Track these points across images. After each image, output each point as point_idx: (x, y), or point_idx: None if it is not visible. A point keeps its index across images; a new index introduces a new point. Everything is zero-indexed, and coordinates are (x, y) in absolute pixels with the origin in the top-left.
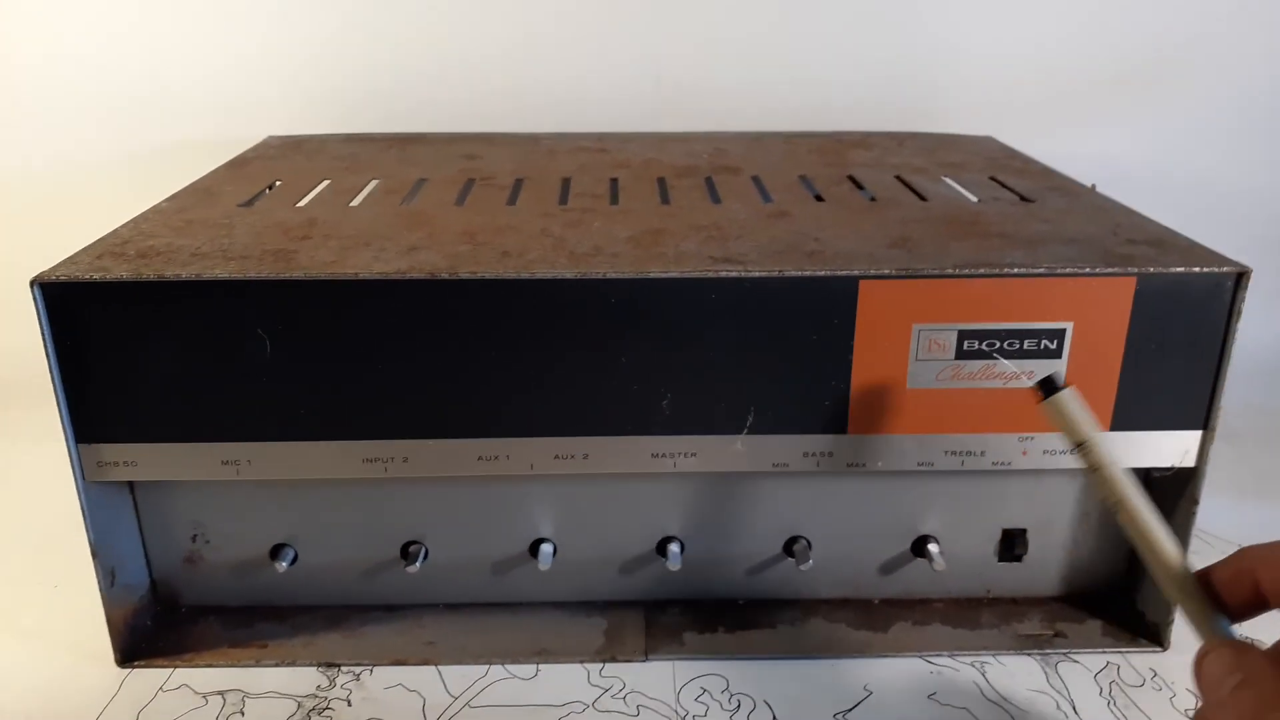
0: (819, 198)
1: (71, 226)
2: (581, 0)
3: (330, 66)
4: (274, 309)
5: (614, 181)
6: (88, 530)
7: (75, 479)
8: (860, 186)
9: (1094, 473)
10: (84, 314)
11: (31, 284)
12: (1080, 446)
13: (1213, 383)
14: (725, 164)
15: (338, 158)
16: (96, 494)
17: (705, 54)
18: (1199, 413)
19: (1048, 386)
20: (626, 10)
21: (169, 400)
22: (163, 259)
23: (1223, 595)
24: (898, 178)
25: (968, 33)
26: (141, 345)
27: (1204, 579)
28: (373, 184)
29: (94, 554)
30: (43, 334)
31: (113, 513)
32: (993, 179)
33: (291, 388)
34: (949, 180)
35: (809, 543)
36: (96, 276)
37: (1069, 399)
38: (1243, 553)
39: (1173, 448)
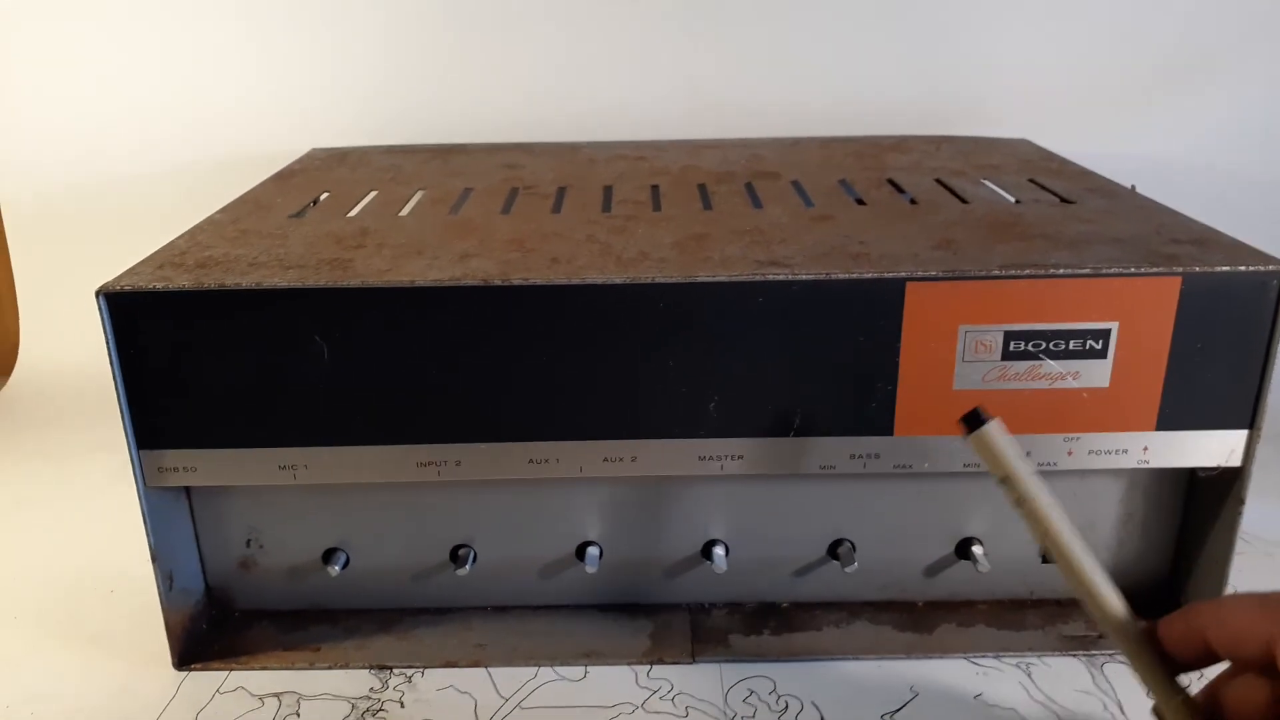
0: (860, 201)
1: (119, 238)
2: (616, 10)
3: (371, 79)
4: (331, 316)
5: (655, 188)
6: (148, 535)
7: (136, 484)
8: (900, 190)
9: (1020, 507)
10: (147, 323)
11: (97, 294)
12: (1005, 480)
13: (1259, 381)
14: (763, 169)
15: (382, 169)
16: (156, 500)
17: (738, 61)
18: (1245, 412)
19: (972, 420)
20: (661, 19)
21: (228, 406)
22: (222, 268)
23: (1170, 649)
24: (937, 180)
25: (1000, 36)
26: (202, 352)
27: (1150, 633)
28: (419, 194)
29: (153, 559)
30: (107, 343)
31: (171, 518)
32: (1031, 181)
33: (347, 393)
34: (988, 183)
35: (854, 545)
36: (159, 286)
37: (995, 432)
38: (1192, 609)
39: (1219, 447)
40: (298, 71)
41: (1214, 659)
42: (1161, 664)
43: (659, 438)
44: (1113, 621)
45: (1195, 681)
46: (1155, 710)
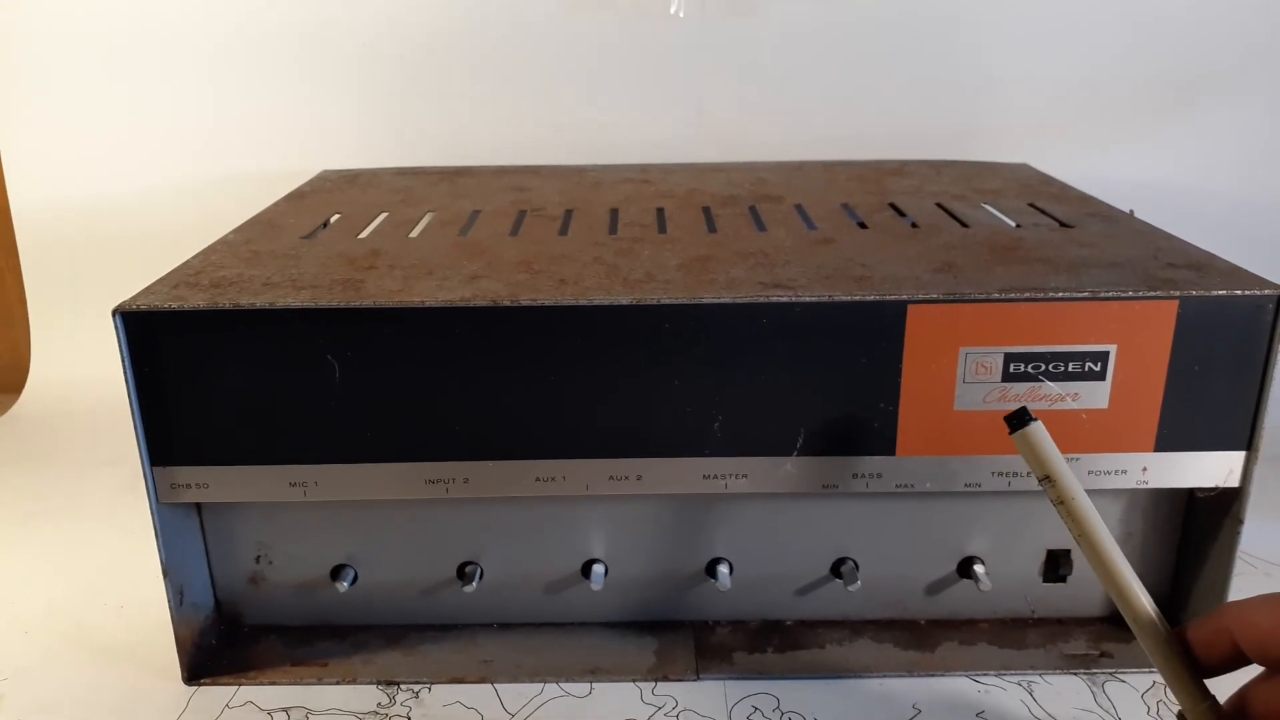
0: (862, 225)
1: (130, 257)
2: (622, 36)
3: (381, 102)
4: (343, 335)
5: (660, 211)
6: (159, 551)
7: (149, 501)
8: (902, 213)
9: (1059, 506)
10: (162, 341)
11: (113, 313)
12: (1046, 479)
13: (1256, 403)
14: (767, 193)
15: (392, 191)
16: (168, 515)
17: (743, 86)
18: (1243, 433)
19: (1018, 419)
20: (666, 45)
21: (240, 424)
22: (236, 288)
23: (1199, 653)
24: (938, 205)
25: (1000, 62)
26: (216, 371)
27: (1180, 636)
28: (428, 216)
29: (165, 574)
30: (122, 361)
31: (182, 534)
32: (1031, 205)
33: (357, 411)
34: (988, 207)
35: (856, 564)
36: (175, 306)
37: (1039, 432)
38: (1221, 611)
39: (1217, 468)
40: (309, 94)
41: (1243, 661)
42: (1189, 668)
43: (664, 456)
44: (1142, 623)
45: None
46: (1180, 716)
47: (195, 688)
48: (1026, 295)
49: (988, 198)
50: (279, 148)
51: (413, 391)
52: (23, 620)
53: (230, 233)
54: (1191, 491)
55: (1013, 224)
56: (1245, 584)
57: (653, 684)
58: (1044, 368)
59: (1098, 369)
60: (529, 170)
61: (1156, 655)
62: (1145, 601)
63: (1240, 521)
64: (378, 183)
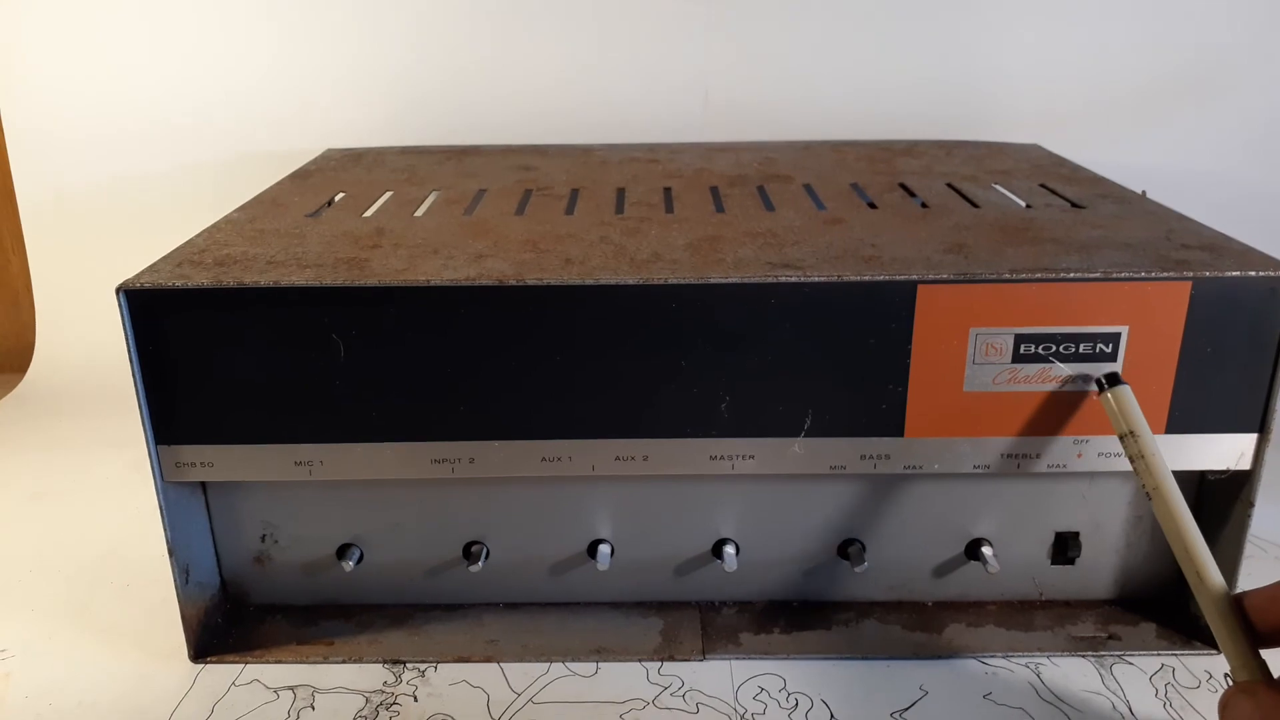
0: (872, 205)
1: (135, 235)
2: (629, 13)
3: (386, 80)
4: (348, 314)
5: (667, 191)
6: (165, 530)
7: (154, 480)
8: (912, 194)
9: (1137, 462)
10: (166, 320)
11: (117, 291)
12: (1127, 436)
13: (1269, 385)
14: (776, 172)
15: (397, 170)
16: (174, 495)
17: (752, 64)
18: (1255, 415)
19: (1110, 380)
20: (675, 22)
21: (245, 403)
22: (240, 267)
23: (1254, 617)
24: (949, 185)
25: (1012, 42)
26: (220, 350)
27: (1237, 602)
28: (434, 195)
29: (171, 553)
30: (126, 339)
31: (187, 513)
32: (1043, 186)
33: (363, 390)
34: (999, 188)
35: (863, 545)
36: (179, 284)
37: (1128, 393)
38: None
39: (1228, 450)
40: (314, 72)
41: None
42: (1245, 633)
43: (671, 437)
44: (1205, 583)
45: None
46: (1228, 676)
47: (201, 666)
48: (1037, 276)
49: (999, 178)
50: (284, 126)
51: (418, 371)
52: (29, 599)
53: (235, 211)
54: (1202, 474)
55: (1024, 204)
56: (1255, 568)
57: (659, 664)
58: (1055, 349)
59: (1109, 350)
60: (535, 149)
61: (1212, 614)
62: (1209, 562)
63: (1251, 505)
64: (383, 161)
